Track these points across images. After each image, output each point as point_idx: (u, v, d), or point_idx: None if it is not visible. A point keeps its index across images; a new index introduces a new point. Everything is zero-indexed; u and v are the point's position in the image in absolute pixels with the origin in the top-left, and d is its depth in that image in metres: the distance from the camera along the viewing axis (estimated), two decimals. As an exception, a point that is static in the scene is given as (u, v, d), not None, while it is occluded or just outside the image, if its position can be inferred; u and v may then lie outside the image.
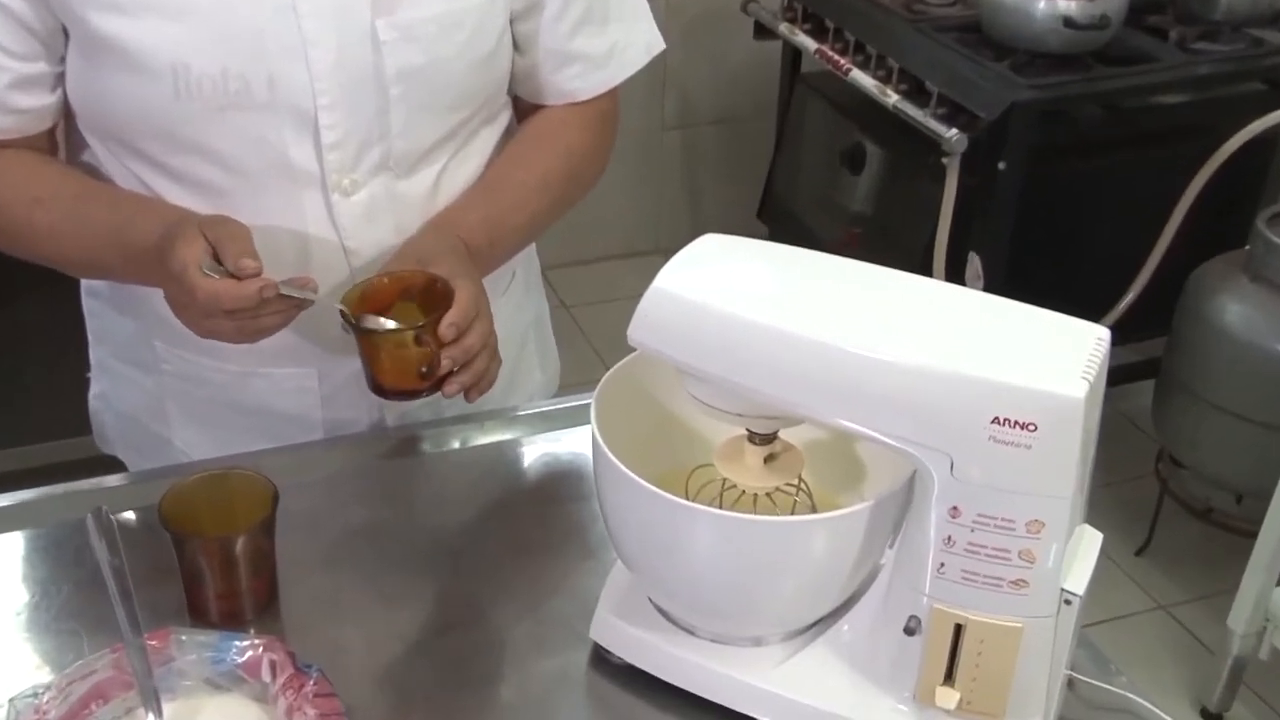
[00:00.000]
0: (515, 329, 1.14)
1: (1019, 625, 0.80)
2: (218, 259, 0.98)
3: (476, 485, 1.12)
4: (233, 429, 1.17)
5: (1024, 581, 0.79)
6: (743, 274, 0.86)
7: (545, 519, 1.08)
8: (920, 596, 0.82)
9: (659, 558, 0.88)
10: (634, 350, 0.86)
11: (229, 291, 0.97)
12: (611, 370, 0.91)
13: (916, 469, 0.80)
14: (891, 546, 0.87)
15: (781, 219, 2.74)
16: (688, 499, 0.86)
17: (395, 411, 1.19)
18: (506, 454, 1.16)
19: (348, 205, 1.08)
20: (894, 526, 0.86)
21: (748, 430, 0.88)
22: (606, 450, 0.85)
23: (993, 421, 0.75)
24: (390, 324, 1.02)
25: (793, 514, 0.90)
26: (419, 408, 1.18)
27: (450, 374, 1.03)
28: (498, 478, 1.14)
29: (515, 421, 1.19)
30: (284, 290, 0.98)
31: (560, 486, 1.13)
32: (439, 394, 1.04)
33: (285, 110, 1.03)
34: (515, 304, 1.27)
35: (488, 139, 1.18)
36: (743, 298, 0.82)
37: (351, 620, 0.97)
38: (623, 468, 0.84)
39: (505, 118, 1.21)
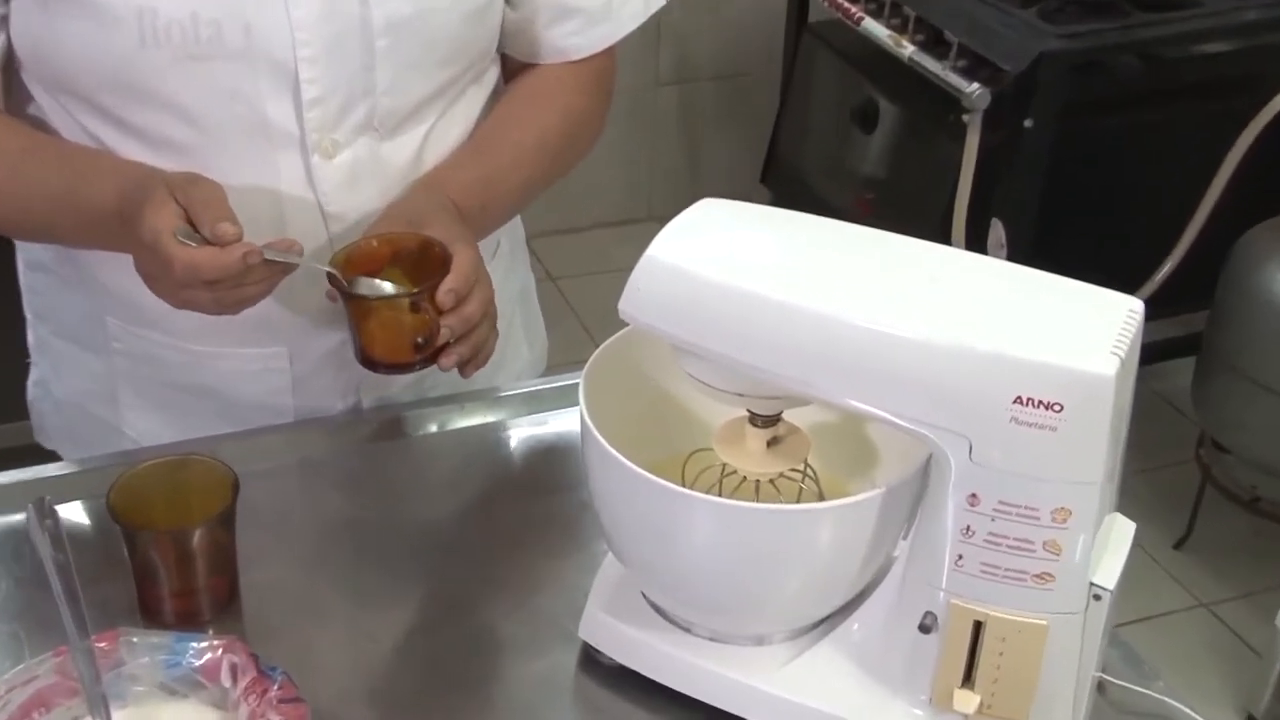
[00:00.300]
0: (501, 303, 1.15)
1: (1044, 622, 0.81)
2: (191, 224, 0.96)
3: (456, 472, 1.13)
4: (193, 415, 1.16)
5: (1049, 575, 0.80)
6: (744, 242, 0.86)
7: (531, 509, 1.08)
8: (936, 591, 0.83)
9: (654, 550, 0.88)
10: (626, 325, 0.87)
11: (209, 261, 0.95)
12: (601, 347, 0.92)
13: (932, 453, 0.81)
14: (905, 537, 0.87)
15: (787, 183, 2.74)
16: (684, 486, 0.86)
17: (373, 395, 1.19)
18: (489, 438, 1.17)
19: (328, 168, 1.08)
20: (908, 516, 0.86)
21: (749, 412, 0.88)
22: (596, 434, 0.85)
23: (1015, 401, 0.76)
24: (387, 287, 1.02)
25: (798, 502, 0.90)
26: (399, 390, 1.19)
27: (446, 345, 1.03)
28: (479, 464, 1.15)
29: (499, 403, 1.19)
30: (268, 256, 0.97)
31: (547, 473, 1.13)
32: (432, 368, 1.04)
33: (262, 62, 1.02)
34: (501, 275, 1.27)
35: (475, 100, 1.18)
36: (744, 268, 0.83)
37: (320, 619, 0.97)
38: (614, 452, 0.84)
39: (493, 77, 1.21)
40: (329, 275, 1.01)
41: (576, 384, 0.89)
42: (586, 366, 0.90)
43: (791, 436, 0.90)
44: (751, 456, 0.89)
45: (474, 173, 1.14)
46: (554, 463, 1.14)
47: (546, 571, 1.02)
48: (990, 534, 0.80)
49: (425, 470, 1.13)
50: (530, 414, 1.18)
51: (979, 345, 0.76)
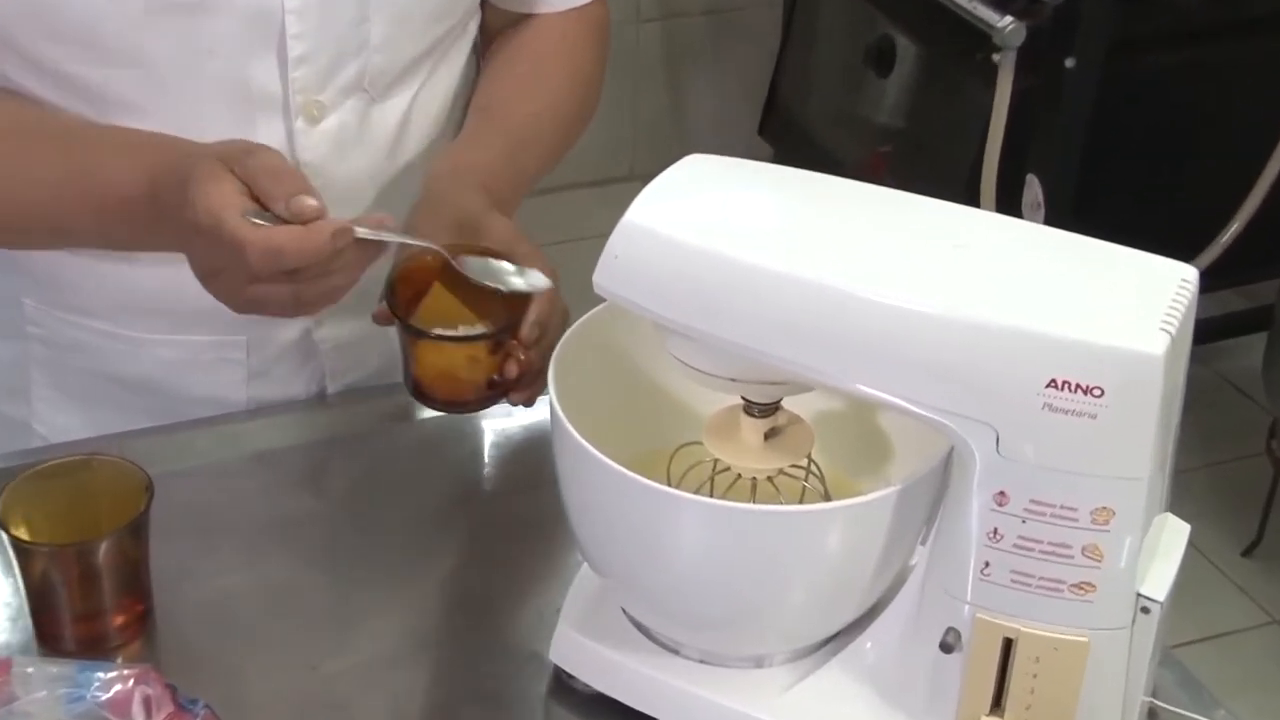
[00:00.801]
0: None
1: (1084, 639, 0.81)
2: (257, 201, 0.91)
3: (408, 472, 1.13)
4: (121, 411, 1.15)
5: (1089, 585, 0.80)
6: (738, 204, 0.87)
7: (493, 512, 1.09)
8: (960, 604, 0.83)
9: (635, 559, 0.89)
10: (601, 301, 0.87)
11: (294, 243, 0.89)
12: (573, 327, 0.92)
13: (954, 445, 0.81)
14: (924, 543, 0.88)
15: (789, 136, 2.74)
16: (670, 485, 0.87)
17: (339, 383, 1.19)
18: (447, 432, 1.17)
19: (313, 135, 1.08)
20: (926, 518, 0.87)
21: (744, 400, 0.89)
22: (568, 425, 0.85)
23: (1049, 385, 0.76)
24: (467, 329, 1.00)
25: (801, 503, 0.91)
26: (363, 377, 1.20)
27: (520, 379, 1.01)
28: (434, 462, 1.15)
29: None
30: (360, 234, 0.92)
31: (513, 471, 1.14)
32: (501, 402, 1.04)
33: (244, 12, 1.01)
34: None
35: (458, 58, 1.19)
36: (737, 234, 0.83)
37: (249, 643, 0.97)
38: (587, 446, 0.84)
39: (473, 31, 1.22)
40: (390, 303, 0.99)
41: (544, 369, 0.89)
42: (556, 349, 0.90)
43: (792, 428, 0.90)
44: (747, 451, 0.89)
45: (498, 152, 1.14)
46: (520, 459, 1.15)
47: (511, 584, 1.03)
48: (1021, 538, 0.80)
49: (371, 470, 1.13)
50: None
51: (1007, 320, 0.77)
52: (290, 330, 1.13)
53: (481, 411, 1.10)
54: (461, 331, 1.00)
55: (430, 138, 1.18)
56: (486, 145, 1.14)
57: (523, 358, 1.00)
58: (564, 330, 0.94)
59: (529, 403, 1.05)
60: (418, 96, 1.14)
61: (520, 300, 1.00)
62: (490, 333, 1.00)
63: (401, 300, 1.01)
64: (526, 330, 0.99)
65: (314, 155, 1.08)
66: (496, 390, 1.02)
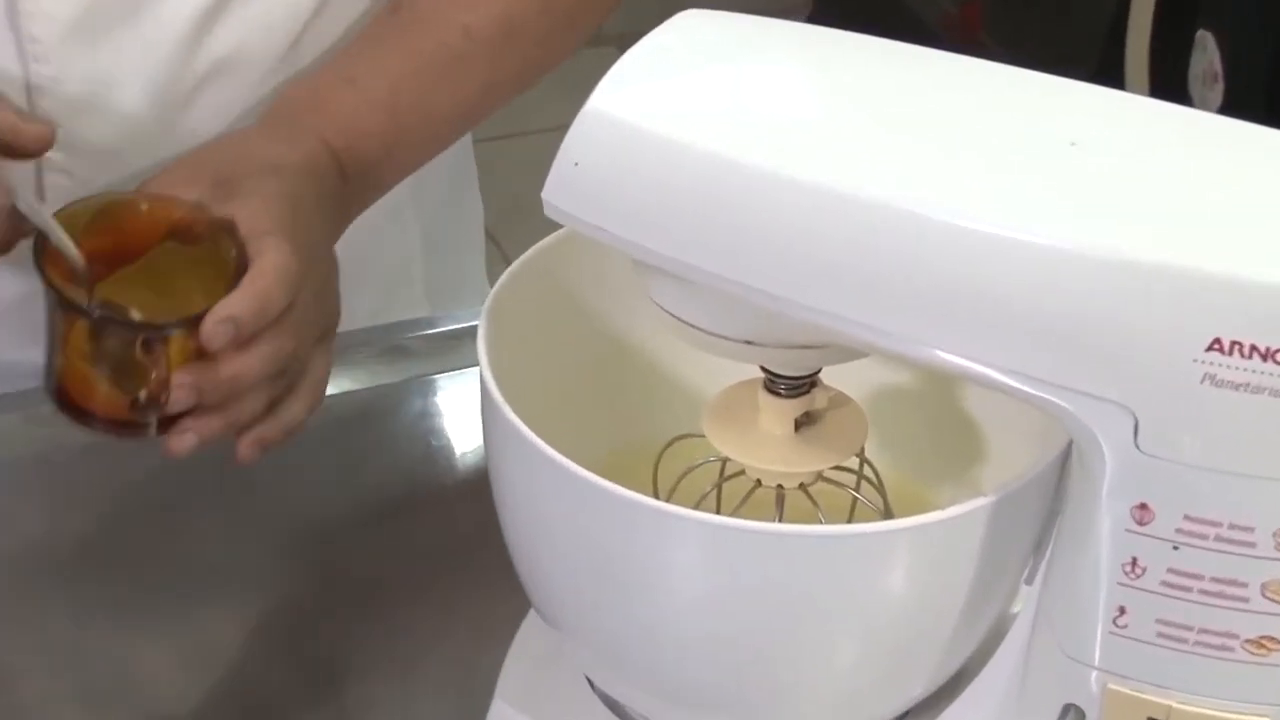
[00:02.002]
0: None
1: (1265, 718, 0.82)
2: None
3: (276, 480, 1.14)
4: None
5: (1273, 641, 0.80)
6: (753, 85, 0.86)
7: (404, 535, 1.11)
8: (1084, 670, 0.83)
9: (605, 604, 0.89)
10: (555, 227, 0.88)
11: None
12: (513, 267, 0.93)
13: (1073, 438, 0.81)
14: (1029, 581, 0.88)
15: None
16: (659, 496, 0.87)
17: None
18: (334, 422, 1.18)
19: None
20: (1034, 544, 0.87)
21: (764, 373, 0.89)
22: (508, 413, 0.85)
23: (1212, 348, 0.75)
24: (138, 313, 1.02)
25: (850, 521, 0.91)
26: None
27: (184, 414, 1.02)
28: (318, 466, 1.17)
29: (347, 360, 1.20)
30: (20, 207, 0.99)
31: (431, 477, 1.16)
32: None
33: None
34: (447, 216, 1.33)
35: None
36: (753, 129, 0.83)
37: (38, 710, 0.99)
38: (538, 443, 0.84)
39: None
40: (43, 249, 1.01)
41: (472, 329, 0.90)
42: (488, 299, 0.91)
43: (835, 414, 0.91)
44: (769, 446, 0.90)
45: (378, 85, 1.16)
46: (440, 460, 1.17)
47: (431, 636, 1.05)
48: (1173, 572, 0.80)
49: (221, 479, 1.14)
50: (403, 378, 1.22)
51: (1151, 254, 0.76)
52: (14, 286, 1.17)
53: (376, 390, 1.15)
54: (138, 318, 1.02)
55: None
56: (363, 73, 1.16)
57: (180, 382, 1.00)
58: (276, 363, 0.99)
59: (240, 454, 1.04)
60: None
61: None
62: (155, 324, 1.01)
63: (88, 254, 1.01)
64: (210, 327, 0.98)
65: (48, 28, 1.12)
66: (149, 415, 1.02)
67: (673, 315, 0.86)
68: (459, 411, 1.18)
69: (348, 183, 1.12)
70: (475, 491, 0.92)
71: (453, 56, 1.18)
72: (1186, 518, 0.79)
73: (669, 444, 0.93)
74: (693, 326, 0.86)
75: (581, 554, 0.88)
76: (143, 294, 1.03)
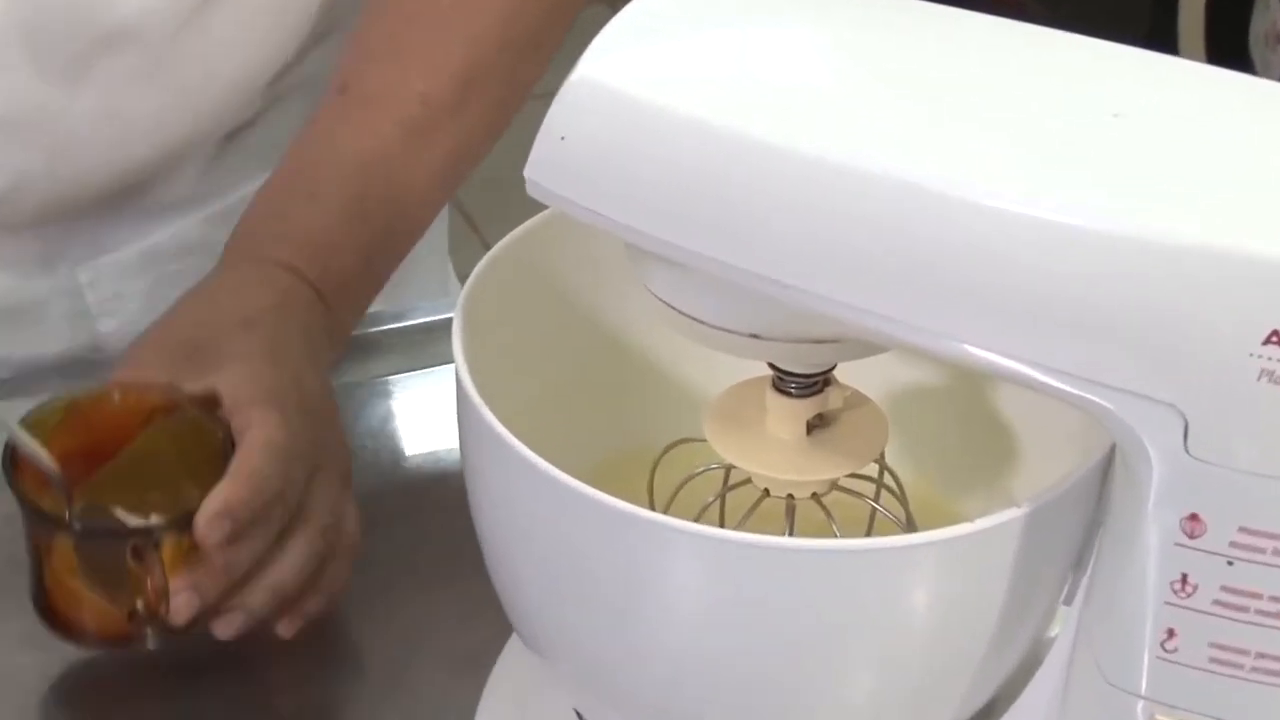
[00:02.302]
0: None
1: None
2: None
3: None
4: None
5: (1341, 667, 0.81)
6: (761, 49, 0.86)
7: (370, 552, 1.09)
8: (1129, 700, 0.83)
9: (597, 627, 0.89)
10: (539, 209, 0.88)
11: None
12: (491, 253, 0.93)
13: (1116, 442, 0.81)
14: (1068, 602, 0.88)
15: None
16: (657, 508, 0.87)
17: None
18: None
19: None
20: (1071, 560, 0.87)
21: (772, 370, 0.89)
22: (487, 415, 0.85)
23: (1270, 340, 0.75)
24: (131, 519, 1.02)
25: (869, 535, 0.91)
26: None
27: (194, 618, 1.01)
28: None
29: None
30: None
31: (401, 486, 1.17)
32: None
33: None
34: None
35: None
36: (761, 98, 0.82)
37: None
38: (520, 449, 0.84)
39: None
40: (6, 456, 1.02)
41: (447, 322, 0.89)
42: (465, 289, 0.91)
43: (852, 415, 0.91)
44: (779, 452, 0.90)
45: (341, 191, 1.16)
46: (409, 468, 1.18)
47: (398, 668, 1.05)
48: (1227, 589, 0.80)
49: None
50: (383, 374, 1.23)
51: (1203, 239, 0.76)
52: None
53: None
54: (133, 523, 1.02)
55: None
56: (322, 183, 1.17)
57: (179, 589, 1.00)
58: (341, 565, 1.02)
59: (282, 630, 1.05)
60: None
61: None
62: (140, 527, 1.01)
63: (61, 459, 1.02)
64: (204, 523, 0.98)
65: None
66: (141, 627, 1.02)
67: (670, 306, 0.86)
68: (432, 413, 1.18)
69: (330, 310, 1.12)
70: (451, 503, 0.92)
71: (414, 131, 1.18)
72: (1242, 530, 0.79)
73: (666, 449, 0.93)
74: (693, 319, 0.86)
75: (569, 572, 0.88)
76: (127, 491, 1.03)
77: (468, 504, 0.91)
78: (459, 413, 0.88)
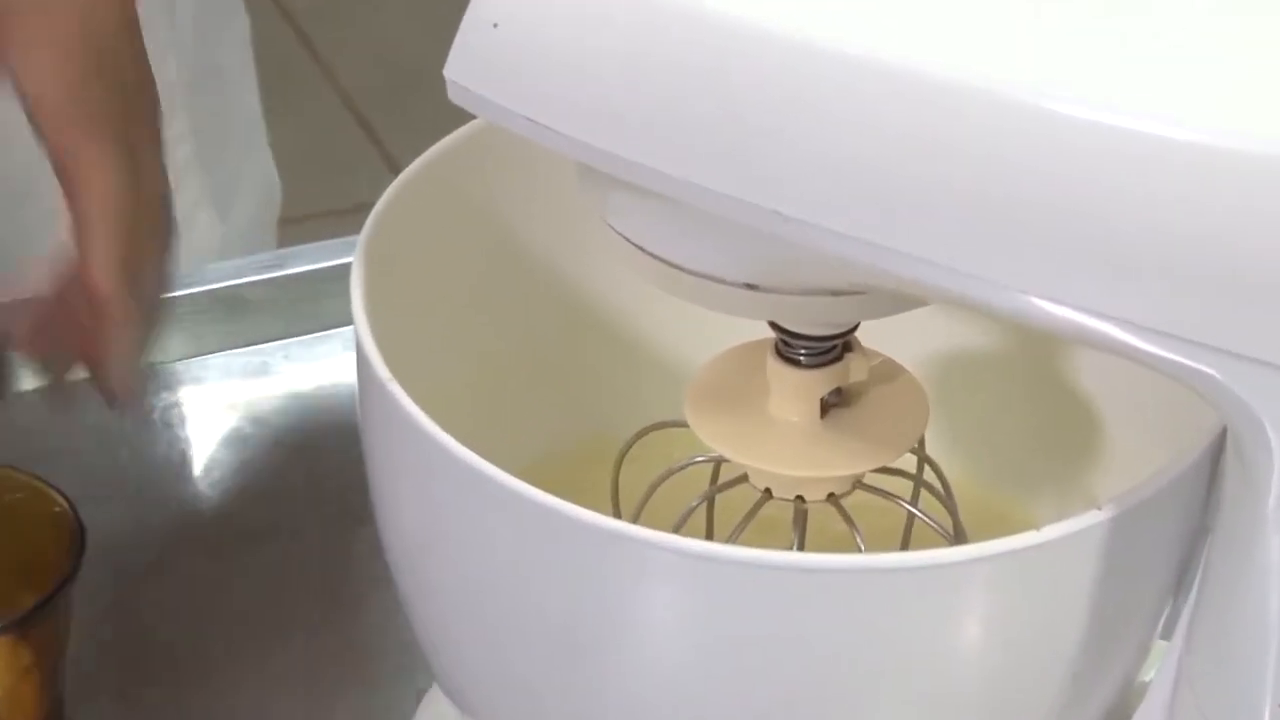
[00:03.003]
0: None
1: None
2: None
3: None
4: None
5: None
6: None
7: (241, 576, 1.14)
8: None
9: (544, 675, 0.88)
10: (466, 119, 0.89)
11: None
12: (402, 177, 0.93)
13: (1227, 425, 0.80)
14: (1166, 637, 0.88)
15: None
16: (624, 516, 0.89)
17: None
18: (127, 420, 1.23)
19: None
20: (1170, 581, 0.87)
21: (775, 332, 0.88)
22: (395, 393, 0.84)
23: None
24: None
25: (905, 549, 0.92)
26: None
27: None
28: (113, 468, 1.22)
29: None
30: None
31: (282, 489, 1.20)
32: None
33: None
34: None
35: None
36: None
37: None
38: (441, 437, 0.83)
39: None
40: None
41: (345, 266, 0.89)
42: (367, 224, 0.91)
43: (881, 391, 0.91)
44: (785, 440, 0.89)
45: None
46: (301, 459, 1.19)
47: None
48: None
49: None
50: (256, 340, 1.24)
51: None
52: None
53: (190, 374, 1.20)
54: None
55: None
56: None
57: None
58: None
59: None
60: None
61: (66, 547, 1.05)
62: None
63: None
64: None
65: None
66: None
67: (639, 248, 0.85)
68: (323, 392, 1.19)
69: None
70: (350, 512, 0.90)
71: None
72: (1398, 534, 0.79)
73: (637, 437, 0.93)
74: (669, 264, 0.85)
75: (508, 602, 0.87)
76: None
77: (373, 508, 0.90)
78: (360, 393, 0.87)
